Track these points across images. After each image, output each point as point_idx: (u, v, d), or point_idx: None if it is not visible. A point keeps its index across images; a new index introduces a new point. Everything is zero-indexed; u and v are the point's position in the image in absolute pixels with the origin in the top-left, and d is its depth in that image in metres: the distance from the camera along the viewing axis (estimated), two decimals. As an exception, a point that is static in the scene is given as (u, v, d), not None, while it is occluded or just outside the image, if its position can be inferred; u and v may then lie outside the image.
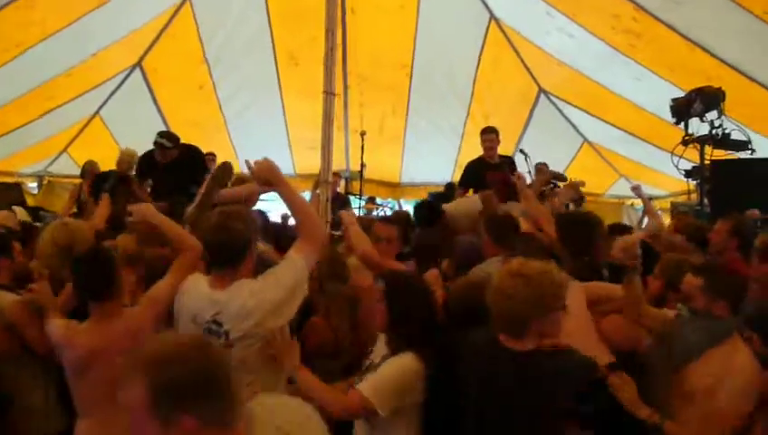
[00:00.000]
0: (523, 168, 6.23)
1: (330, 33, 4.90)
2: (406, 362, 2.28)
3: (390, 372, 2.28)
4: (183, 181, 4.94)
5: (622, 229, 4.42)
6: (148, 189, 5.48)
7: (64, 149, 8.50)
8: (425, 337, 2.34)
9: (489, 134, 6.07)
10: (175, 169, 5.30)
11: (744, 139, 4.92)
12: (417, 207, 4.89)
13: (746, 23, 4.72)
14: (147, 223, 2.87)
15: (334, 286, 3.23)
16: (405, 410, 2.29)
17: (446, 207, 4.65)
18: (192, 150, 5.55)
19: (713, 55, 5.32)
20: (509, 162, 6.17)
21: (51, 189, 8.84)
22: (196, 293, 2.42)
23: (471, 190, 6.06)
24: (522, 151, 6.11)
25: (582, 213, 4.48)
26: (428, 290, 2.59)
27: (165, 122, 8.33)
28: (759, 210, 4.34)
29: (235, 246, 2.38)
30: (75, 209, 6.89)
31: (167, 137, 5.37)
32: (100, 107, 8.04)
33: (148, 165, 5.44)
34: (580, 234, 3.18)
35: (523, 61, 7.60)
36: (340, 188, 8.29)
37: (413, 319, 2.37)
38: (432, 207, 4.82)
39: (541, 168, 7.30)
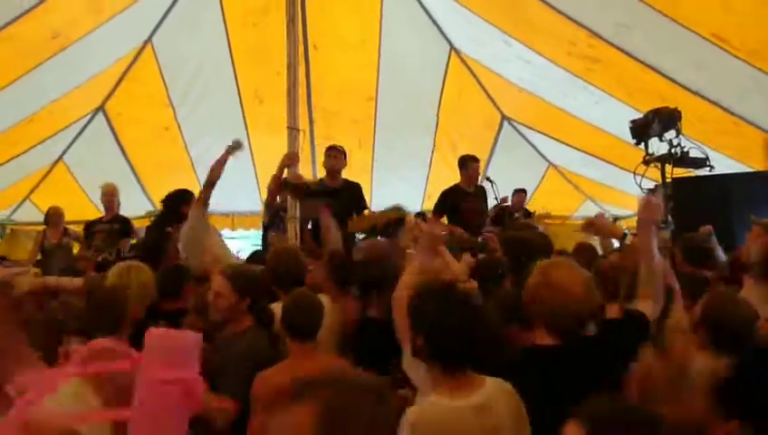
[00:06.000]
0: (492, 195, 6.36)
1: (291, 68, 4.94)
2: None
3: None
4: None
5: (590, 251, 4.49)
6: None
7: (27, 197, 8.34)
8: None
9: (476, 162, 6.19)
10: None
11: (702, 156, 5.04)
12: None
13: (696, 45, 4.89)
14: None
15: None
16: None
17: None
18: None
19: (666, 77, 5.49)
20: (482, 191, 6.26)
21: (14, 238, 8.64)
22: None
23: (445, 217, 6.16)
24: (488, 179, 6.19)
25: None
26: None
27: (130, 165, 8.25)
28: (720, 224, 4.44)
29: None
30: (40, 256, 6.75)
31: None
32: (64, 152, 7.94)
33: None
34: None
35: (484, 89, 7.76)
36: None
37: None
38: None
39: (520, 195, 7.51)
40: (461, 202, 6.00)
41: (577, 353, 2.16)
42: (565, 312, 2.15)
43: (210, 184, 4.36)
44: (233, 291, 2.86)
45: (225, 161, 4.45)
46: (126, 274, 3.14)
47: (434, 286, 2.22)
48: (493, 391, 2.03)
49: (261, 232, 6.44)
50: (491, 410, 1.97)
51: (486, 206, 6.31)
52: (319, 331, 2.78)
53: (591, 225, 2.91)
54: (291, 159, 5.15)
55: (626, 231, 2.89)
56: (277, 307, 3.09)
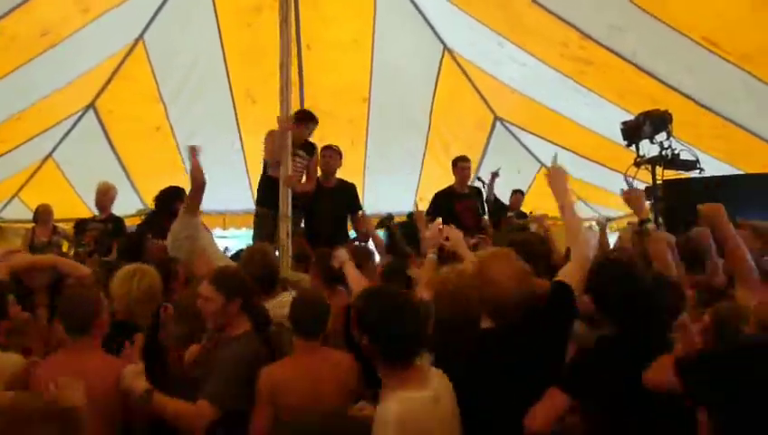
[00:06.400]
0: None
1: (284, 68, 4.91)
2: None
3: None
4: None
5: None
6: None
7: (16, 194, 8.27)
8: None
9: (466, 162, 6.20)
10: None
11: (692, 159, 5.07)
12: None
13: (687, 48, 4.92)
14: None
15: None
16: None
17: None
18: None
19: (658, 80, 5.51)
20: (477, 192, 6.26)
21: (2, 235, 8.56)
22: None
23: (440, 219, 6.16)
24: (479, 179, 6.20)
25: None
26: None
27: (121, 163, 8.21)
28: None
29: None
30: (28, 255, 6.69)
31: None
32: (53, 149, 7.88)
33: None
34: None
35: (477, 90, 7.78)
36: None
37: None
38: None
39: (517, 196, 7.55)
40: (454, 203, 6.02)
41: (512, 333, 2.36)
42: (498, 301, 2.36)
43: (196, 190, 4.35)
44: (219, 294, 2.82)
45: (199, 165, 4.44)
46: (129, 278, 3.14)
47: (375, 290, 2.46)
48: (439, 383, 2.21)
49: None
50: (440, 400, 2.16)
51: (483, 206, 6.32)
52: (324, 329, 2.80)
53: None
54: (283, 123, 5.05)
55: (649, 218, 2.95)
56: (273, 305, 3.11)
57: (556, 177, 2.85)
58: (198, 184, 4.35)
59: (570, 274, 2.50)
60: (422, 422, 2.07)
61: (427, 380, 2.18)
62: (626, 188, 3.13)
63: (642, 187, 5.18)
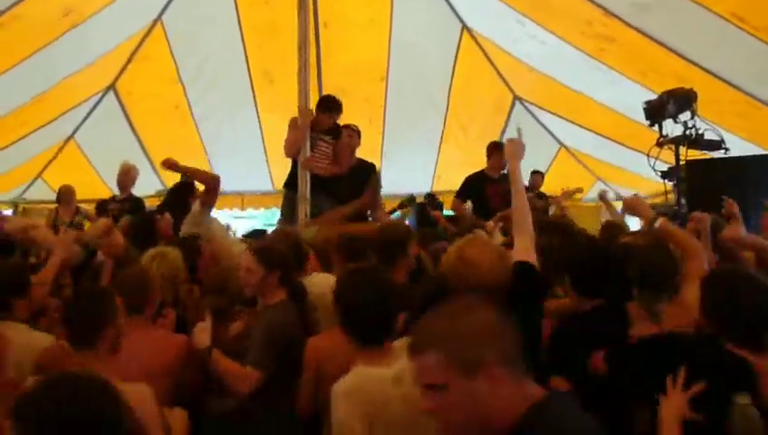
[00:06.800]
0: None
1: (302, 48, 4.90)
2: None
3: None
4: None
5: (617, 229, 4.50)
6: None
7: (39, 175, 8.39)
8: None
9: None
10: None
11: (717, 138, 4.96)
12: None
13: (714, 24, 4.80)
14: None
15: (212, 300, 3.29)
16: None
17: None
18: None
19: (682, 57, 5.40)
20: (506, 178, 6.22)
21: (26, 216, 8.70)
22: None
23: (469, 202, 6.16)
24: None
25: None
26: None
27: (141, 144, 8.26)
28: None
29: None
30: (52, 235, 6.79)
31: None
32: (75, 131, 7.96)
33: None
34: None
35: (496, 69, 7.68)
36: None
37: None
38: None
39: (536, 176, 7.49)
40: (486, 187, 6.00)
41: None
42: (481, 282, 2.36)
43: (212, 190, 4.38)
44: (260, 266, 2.97)
45: (196, 170, 4.55)
46: (149, 263, 3.26)
47: (350, 272, 2.53)
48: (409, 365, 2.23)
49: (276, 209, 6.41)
50: (404, 381, 2.12)
51: None
52: None
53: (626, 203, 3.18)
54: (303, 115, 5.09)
55: (657, 216, 2.96)
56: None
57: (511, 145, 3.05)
58: (212, 183, 4.39)
59: (523, 251, 2.62)
60: (373, 397, 2.13)
61: (393, 360, 2.24)
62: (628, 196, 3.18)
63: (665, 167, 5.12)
